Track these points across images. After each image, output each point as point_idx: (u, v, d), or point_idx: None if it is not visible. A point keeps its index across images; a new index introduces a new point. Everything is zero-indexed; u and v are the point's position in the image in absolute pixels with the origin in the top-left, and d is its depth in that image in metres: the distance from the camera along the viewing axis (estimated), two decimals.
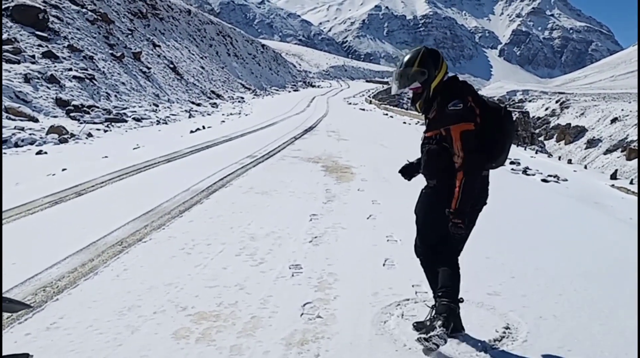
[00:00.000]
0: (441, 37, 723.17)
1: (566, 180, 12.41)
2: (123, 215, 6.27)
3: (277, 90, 64.46)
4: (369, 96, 62.67)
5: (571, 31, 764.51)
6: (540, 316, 3.89)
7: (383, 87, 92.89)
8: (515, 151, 17.68)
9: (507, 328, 3.67)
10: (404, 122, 30.94)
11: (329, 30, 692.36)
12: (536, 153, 22.35)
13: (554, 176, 12.44)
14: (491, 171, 3.40)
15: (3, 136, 13.56)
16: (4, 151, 12.52)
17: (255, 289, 4.22)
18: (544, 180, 11.82)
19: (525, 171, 13.24)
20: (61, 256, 4.78)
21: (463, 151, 3.07)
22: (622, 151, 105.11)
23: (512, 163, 14.38)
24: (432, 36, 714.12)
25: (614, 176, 16.99)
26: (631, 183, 16.17)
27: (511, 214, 7.50)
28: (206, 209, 6.92)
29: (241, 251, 5.17)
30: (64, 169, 9.64)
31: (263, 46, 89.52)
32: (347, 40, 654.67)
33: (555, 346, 3.45)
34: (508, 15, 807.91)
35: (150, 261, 4.79)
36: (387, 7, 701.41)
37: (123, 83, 26.49)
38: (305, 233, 5.82)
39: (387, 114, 38.41)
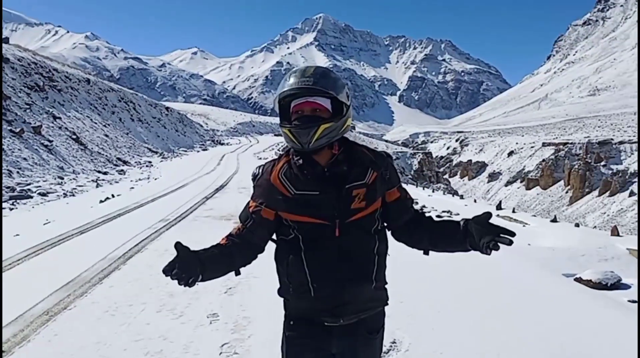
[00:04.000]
0: None
1: (458, 214, 13.64)
2: (45, 288, 6.60)
3: (186, 151, 64.44)
4: (278, 149, 63.92)
5: (463, 74, 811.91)
6: (420, 331, 4.68)
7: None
8: (414, 191, 18.94)
9: (394, 342, 4.41)
10: None
11: (234, 88, 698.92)
12: (433, 191, 23.89)
13: (447, 212, 13.65)
14: None
15: None
16: None
17: (177, 338, 4.77)
18: (438, 216, 12.97)
19: (421, 209, 14.40)
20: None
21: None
22: (521, 182, 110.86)
23: None
24: None
25: (499, 207, 18.56)
26: (513, 211, 17.72)
27: (399, 247, 8.37)
28: (125, 273, 7.35)
29: (162, 307, 5.69)
30: None
31: (167, 108, 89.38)
32: (252, 97, 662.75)
33: (431, 351, 4.23)
34: (403, 63, 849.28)
35: (77, 325, 5.22)
36: (288, 63, 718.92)
37: (25, 159, 26.06)
38: (221, 285, 6.40)
39: None
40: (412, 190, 32.10)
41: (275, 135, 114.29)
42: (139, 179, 29.09)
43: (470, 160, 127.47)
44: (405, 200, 2.38)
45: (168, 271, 2.05)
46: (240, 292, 6.13)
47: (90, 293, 6.38)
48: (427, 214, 2.45)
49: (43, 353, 4.48)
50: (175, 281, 2.02)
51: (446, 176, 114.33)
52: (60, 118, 38.26)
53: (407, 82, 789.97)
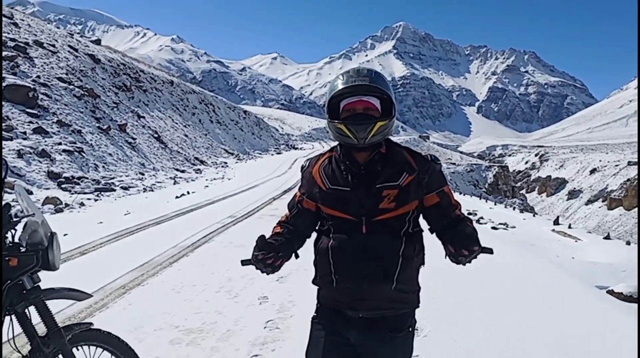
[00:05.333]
0: (420, 96, 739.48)
1: (514, 227, 13.88)
2: (123, 267, 7.55)
3: (260, 154, 66.31)
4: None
5: (546, 86, 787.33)
6: (442, 322, 5.23)
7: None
8: (474, 203, 19.11)
9: (416, 328, 4.99)
10: None
11: (310, 94, 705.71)
12: (504, 205, 23.89)
13: (504, 224, 13.91)
14: None
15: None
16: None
17: (230, 313, 5.53)
18: (493, 228, 13.29)
19: (478, 221, 14.74)
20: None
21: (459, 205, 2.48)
22: (603, 201, 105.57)
23: (469, 213, 15.87)
24: (411, 96, 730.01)
25: (556, 222, 18.56)
26: (569, 227, 17.67)
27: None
28: (192, 260, 8.25)
29: (220, 289, 6.49)
30: (65, 235, 10.88)
31: (245, 111, 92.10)
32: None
33: (447, 338, 4.79)
34: (484, 73, 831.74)
35: (148, 298, 6.09)
36: None
37: (110, 154, 27.90)
38: (275, 274, 7.12)
39: None
40: (471, 201, 32.09)
41: None
42: (214, 179, 30.48)
43: (550, 176, 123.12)
44: (445, 206, 2.36)
45: (248, 262, 2.43)
46: (289, 281, 6.85)
47: (161, 274, 7.28)
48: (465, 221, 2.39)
49: (119, 317, 5.34)
50: (254, 269, 2.42)
51: (523, 191, 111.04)
52: (144, 117, 40.44)
53: (487, 93, 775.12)
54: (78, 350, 3.11)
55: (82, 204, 17.51)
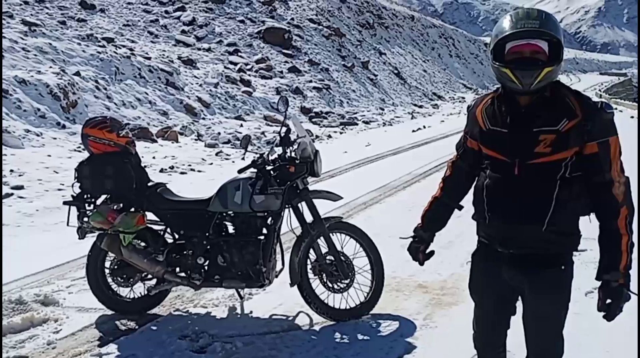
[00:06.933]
0: None
1: None
2: (364, 189, 8.85)
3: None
4: (599, 90, 59.65)
5: None
6: None
7: (618, 79, 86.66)
8: None
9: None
10: (632, 117, 30.00)
11: (560, 22, 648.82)
12: None
13: None
14: None
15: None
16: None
17: (454, 229, 6.38)
18: None
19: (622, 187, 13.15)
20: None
21: (624, 174, 2.28)
22: None
23: None
24: None
25: None
26: None
27: None
28: (424, 185, 9.30)
29: None
30: None
31: (486, 44, 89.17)
32: (580, 31, 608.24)
33: None
34: None
35: (385, 213, 7.26)
36: None
37: (353, 91, 29.93)
38: None
39: (615, 109, 36.97)
40: None
41: (600, 74, 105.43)
42: (450, 114, 30.92)
43: None
44: (600, 160, 2.22)
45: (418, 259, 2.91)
46: None
47: (396, 195, 8.45)
48: (618, 207, 2.24)
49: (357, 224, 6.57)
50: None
51: None
52: (385, 54, 42.01)
53: None
54: (332, 235, 4.28)
55: (329, 136, 19.53)
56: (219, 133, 15.94)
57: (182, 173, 10.97)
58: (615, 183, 2.22)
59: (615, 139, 2.23)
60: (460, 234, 6.04)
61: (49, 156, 10.53)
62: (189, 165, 11.71)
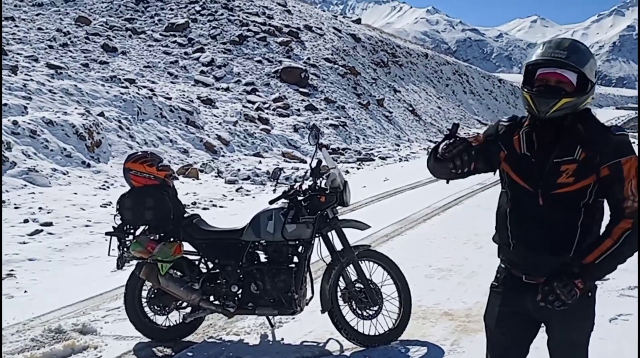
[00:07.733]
0: None
1: None
2: (385, 222, 9.00)
3: None
4: (615, 124, 59.52)
5: None
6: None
7: (635, 113, 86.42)
8: None
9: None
10: None
11: None
12: None
13: None
14: None
15: (290, 182, 17.53)
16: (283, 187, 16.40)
17: (475, 260, 6.53)
18: None
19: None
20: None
21: (639, 194, 2.22)
22: None
23: None
24: None
25: None
26: None
27: None
28: (443, 219, 9.45)
29: (467, 241, 7.54)
30: None
31: (500, 80, 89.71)
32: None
33: None
34: None
35: (406, 244, 7.42)
36: None
37: (369, 127, 30.25)
38: None
39: (633, 143, 36.96)
40: None
41: (616, 108, 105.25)
42: None
43: None
44: (612, 182, 2.21)
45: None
46: None
47: (417, 228, 8.61)
48: (621, 217, 2.21)
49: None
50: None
51: None
52: (399, 91, 42.49)
53: None
54: (361, 263, 4.44)
55: (347, 171, 19.72)
56: (239, 170, 16.23)
57: (204, 208, 11.18)
58: (628, 201, 2.19)
59: (628, 159, 2.19)
60: (483, 264, 6.16)
61: (75, 193, 10.81)
62: (211, 201, 11.93)
